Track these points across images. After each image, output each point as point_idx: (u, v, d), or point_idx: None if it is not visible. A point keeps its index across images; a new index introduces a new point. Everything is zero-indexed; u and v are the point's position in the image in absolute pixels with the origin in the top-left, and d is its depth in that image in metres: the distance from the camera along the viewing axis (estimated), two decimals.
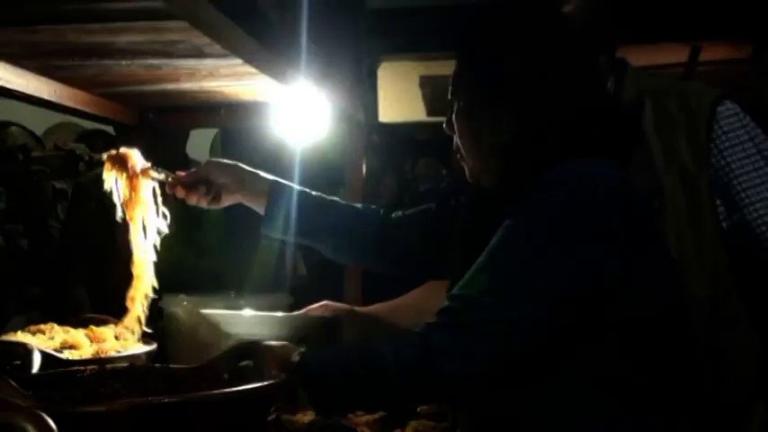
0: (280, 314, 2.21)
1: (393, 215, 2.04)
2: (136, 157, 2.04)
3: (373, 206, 2.10)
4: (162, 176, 2.03)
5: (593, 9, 2.17)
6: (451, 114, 1.70)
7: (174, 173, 2.05)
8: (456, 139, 1.70)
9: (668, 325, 1.57)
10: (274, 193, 2.02)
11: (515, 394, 1.55)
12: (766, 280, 2.15)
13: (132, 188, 2.02)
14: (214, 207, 2.09)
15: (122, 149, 2.03)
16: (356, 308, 2.23)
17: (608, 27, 2.19)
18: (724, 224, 2.15)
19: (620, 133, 1.63)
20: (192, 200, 2.07)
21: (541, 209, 1.50)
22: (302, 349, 1.63)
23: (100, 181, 3.39)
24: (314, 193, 2.06)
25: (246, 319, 2.16)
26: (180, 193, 2.05)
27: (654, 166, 2.13)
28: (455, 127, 1.69)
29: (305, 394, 1.66)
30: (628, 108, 2.18)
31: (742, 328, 2.15)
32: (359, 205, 2.10)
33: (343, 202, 2.08)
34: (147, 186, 2.04)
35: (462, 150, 1.69)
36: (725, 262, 2.15)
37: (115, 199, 2.03)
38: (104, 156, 2.06)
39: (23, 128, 4.65)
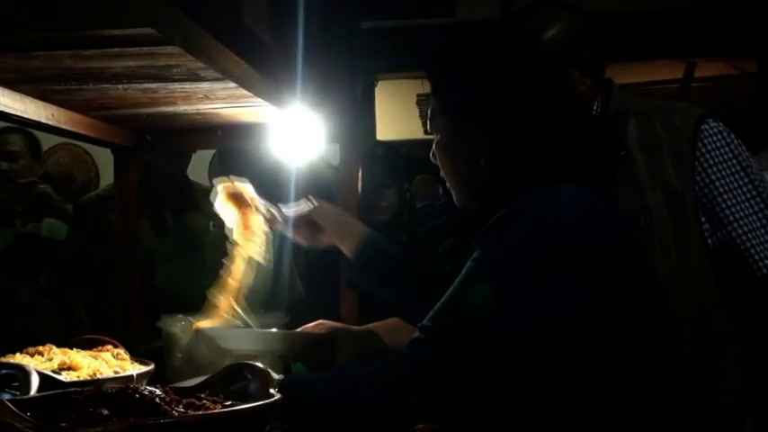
0: (275, 331, 2.24)
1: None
2: (250, 192, 2.11)
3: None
4: (270, 212, 2.11)
5: (576, 32, 2.20)
6: (434, 144, 1.73)
7: (278, 208, 2.14)
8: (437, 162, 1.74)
9: (645, 350, 1.55)
10: (366, 245, 2.06)
11: (488, 426, 1.57)
12: (751, 296, 2.16)
13: (245, 223, 2.11)
14: (311, 246, 2.16)
15: (236, 183, 2.12)
16: (352, 327, 2.24)
17: (591, 49, 2.22)
18: (709, 241, 2.17)
19: (597, 155, 1.63)
20: (293, 236, 2.15)
21: (505, 242, 1.51)
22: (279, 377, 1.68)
23: (99, 202, 3.43)
24: (397, 249, 2.12)
25: (242, 335, 2.17)
26: (281, 227, 2.14)
27: (639, 184, 2.16)
28: (437, 153, 1.72)
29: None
30: (610, 127, 2.21)
31: (730, 343, 2.17)
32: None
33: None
34: (259, 220, 2.11)
35: (445, 176, 1.73)
36: (711, 278, 2.16)
37: (227, 230, 2.13)
38: (219, 186, 2.14)
39: (28, 134, 4.12)
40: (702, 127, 2.19)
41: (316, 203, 2.12)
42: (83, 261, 3.42)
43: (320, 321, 2.22)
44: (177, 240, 3.39)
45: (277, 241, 3.01)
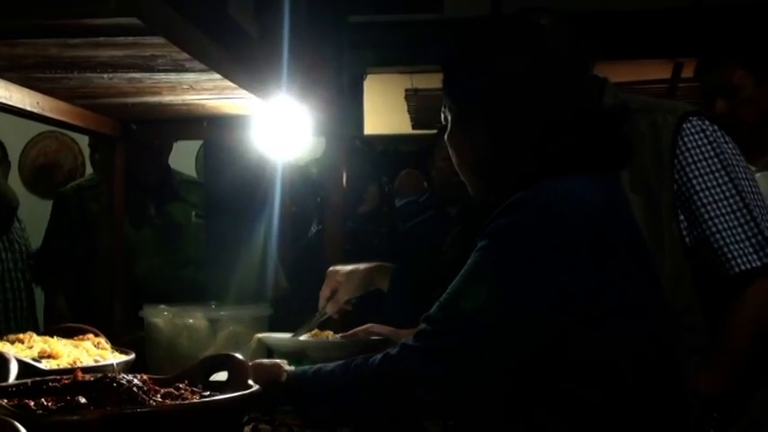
0: (332, 338, 2.32)
1: None
2: None
3: None
4: None
5: (563, 28, 2.21)
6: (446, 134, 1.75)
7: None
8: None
9: (644, 350, 1.55)
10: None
11: (491, 424, 1.57)
12: (725, 295, 2.17)
13: None
14: None
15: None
16: (398, 329, 2.26)
17: (567, 50, 2.23)
18: (687, 240, 2.17)
19: (600, 146, 1.62)
20: None
21: (509, 233, 1.51)
22: (290, 368, 1.74)
23: (81, 192, 3.42)
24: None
25: (301, 344, 2.26)
26: None
27: (621, 181, 2.17)
28: (449, 145, 1.74)
29: (283, 407, 1.76)
30: (612, 118, 2.22)
31: (702, 342, 2.18)
32: None
33: None
34: None
35: (457, 167, 1.74)
36: (687, 278, 2.17)
37: None
38: None
39: None
40: (684, 125, 2.20)
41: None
42: (64, 251, 3.41)
43: (369, 324, 2.30)
44: (159, 231, 3.39)
45: (262, 238, 3.02)
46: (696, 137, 2.19)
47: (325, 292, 2.23)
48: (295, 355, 2.18)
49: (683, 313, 2.17)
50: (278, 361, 1.78)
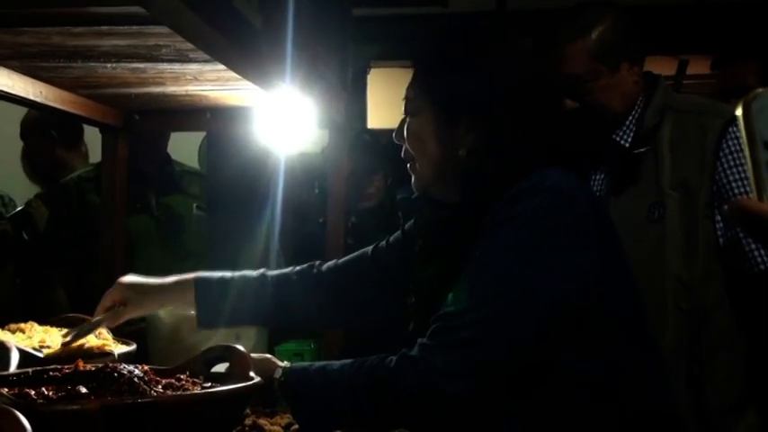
0: None
1: (325, 268, 1.97)
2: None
3: (299, 268, 2.01)
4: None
5: (622, 27, 2.31)
6: (404, 123, 1.71)
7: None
8: (407, 147, 1.71)
9: (636, 319, 1.62)
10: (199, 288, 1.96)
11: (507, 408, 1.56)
12: (755, 295, 2.20)
13: None
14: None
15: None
16: None
17: (638, 41, 2.29)
18: (721, 240, 2.21)
19: (573, 147, 1.68)
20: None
21: (524, 217, 1.51)
22: (285, 365, 1.66)
23: (81, 183, 3.40)
24: (237, 276, 1.98)
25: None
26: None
27: (661, 179, 2.21)
28: (409, 136, 1.69)
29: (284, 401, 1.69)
30: (648, 122, 2.26)
31: (730, 339, 2.22)
32: (288, 271, 2.01)
33: (272, 274, 1.99)
34: None
35: (418, 160, 1.69)
36: (718, 277, 2.22)
37: None
38: None
39: None
40: (730, 129, 2.24)
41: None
42: (64, 243, 3.39)
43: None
44: (160, 223, 3.36)
45: (265, 229, 3.01)
46: (739, 141, 2.22)
47: (106, 302, 1.99)
48: None
49: (712, 310, 2.23)
50: (270, 356, 1.73)
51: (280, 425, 1.99)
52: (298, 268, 2.00)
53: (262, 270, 2.00)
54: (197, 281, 1.97)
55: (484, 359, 1.49)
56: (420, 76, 1.69)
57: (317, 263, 2.00)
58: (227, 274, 1.98)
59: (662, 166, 2.25)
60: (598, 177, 2.37)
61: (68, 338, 1.94)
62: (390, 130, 1.82)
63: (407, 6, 5.05)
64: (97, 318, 1.98)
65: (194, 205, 3.39)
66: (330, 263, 1.99)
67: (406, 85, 1.74)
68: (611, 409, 1.55)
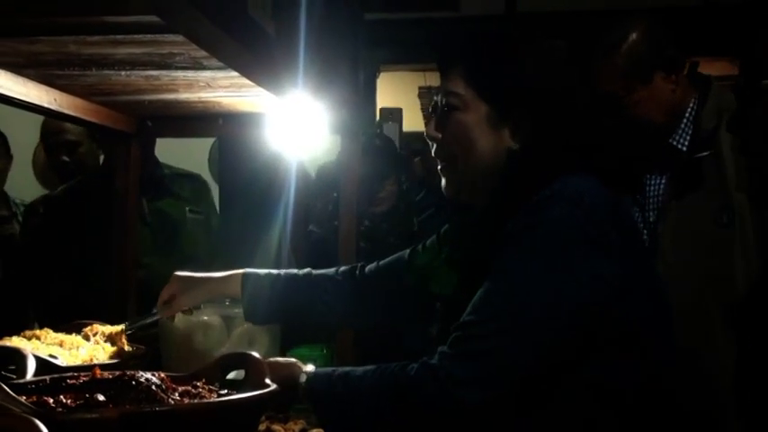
0: None
1: (367, 270, 2.04)
2: None
3: (344, 268, 2.09)
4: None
5: (654, 35, 2.30)
6: (443, 119, 1.70)
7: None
8: (445, 147, 1.70)
9: (662, 327, 1.61)
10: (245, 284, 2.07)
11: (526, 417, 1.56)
12: None
13: None
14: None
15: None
16: None
17: (671, 48, 2.28)
18: None
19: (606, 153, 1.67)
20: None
21: (544, 226, 1.52)
22: (309, 369, 1.69)
23: (71, 194, 3.34)
24: (284, 273, 2.09)
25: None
26: None
27: (726, 182, 2.19)
28: (455, 131, 1.68)
29: (297, 406, 1.73)
30: (705, 125, 2.26)
31: None
32: (333, 271, 2.09)
33: (317, 273, 2.09)
34: None
35: (461, 155, 1.68)
36: None
37: None
38: None
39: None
40: None
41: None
42: (56, 254, 3.30)
43: None
44: (154, 230, 3.29)
45: (277, 235, 3.01)
46: None
47: (164, 295, 2.15)
48: None
49: None
50: (294, 360, 1.76)
51: (293, 430, 2.00)
52: (342, 269, 2.08)
53: (307, 269, 2.09)
54: (245, 275, 2.08)
55: (503, 369, 1.49)
56: (470, 71, 1.68)
57: (359, 264, 2.08)
58: (274, 271, 2.10)
59: (726, 169, 2.23)
60: (655, 182, 2.35)
61: (130, 329, 2.14)
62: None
63: (419, 11, 5.06)
64: (155, 310, 2.15)
65: (187, 209, 3.34)
66: (371, 265, 2.05)
67: (414, 90, 1.75)
68: (627, 418, 1.55)
